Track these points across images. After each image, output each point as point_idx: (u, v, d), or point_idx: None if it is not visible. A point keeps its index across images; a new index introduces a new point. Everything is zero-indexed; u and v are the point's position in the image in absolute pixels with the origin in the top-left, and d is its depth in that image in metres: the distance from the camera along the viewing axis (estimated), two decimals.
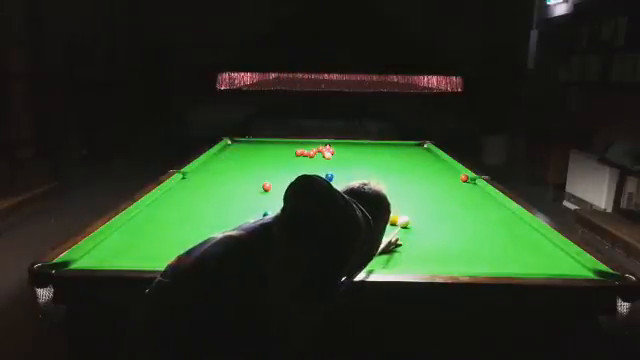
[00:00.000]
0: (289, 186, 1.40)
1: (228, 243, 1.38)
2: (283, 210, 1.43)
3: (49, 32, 6.30)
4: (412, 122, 6.84)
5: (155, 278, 1.38)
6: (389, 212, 1.68)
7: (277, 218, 1.43)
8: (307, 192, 1.40)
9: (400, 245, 1.92)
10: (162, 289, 1.33)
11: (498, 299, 1.60)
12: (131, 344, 1.34)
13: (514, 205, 2.49)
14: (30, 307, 1.57)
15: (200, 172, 3.25)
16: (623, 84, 4.89)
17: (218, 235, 1.42)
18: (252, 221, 1.48)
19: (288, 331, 1.31)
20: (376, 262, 1.69)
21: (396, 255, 1.86)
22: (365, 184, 1.62)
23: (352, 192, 1.58)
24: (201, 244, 1.41)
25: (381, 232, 1.66)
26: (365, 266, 1.59)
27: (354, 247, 1.44)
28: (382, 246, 1.77)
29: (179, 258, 1.39)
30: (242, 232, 1.41)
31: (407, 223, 2.18)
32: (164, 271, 1.37)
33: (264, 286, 1.29)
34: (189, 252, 1.39)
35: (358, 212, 1.45)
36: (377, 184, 1.65)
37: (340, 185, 1.62)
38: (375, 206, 1.57)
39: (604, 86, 5.23)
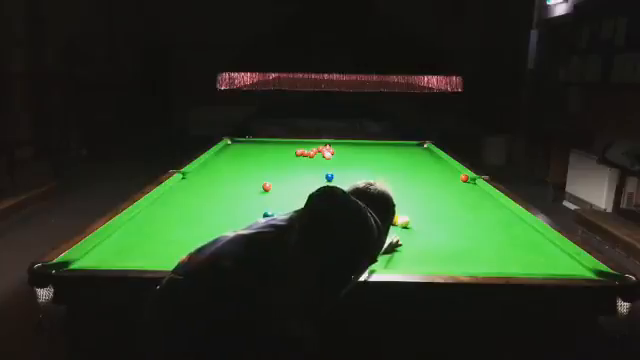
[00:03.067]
0: (312, 194, 1.48)
1: (241, 242, 1.39)
2: (305, 214, 1.46)
3: (49, 32, 6.30)
4: (412, 122, 6.84)
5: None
6: (394, 213, 1.71)
7: (290, 220, 1.46)
8: (329, 198, 1.47)
9: (400, 245, 1.92)
10: (175, 287, 1.32)
11: (498, 299, 1.60)
12: (142, 344, 1.34)
13: (514, 205, 2.49)
14: (30, 307, 1.57)
15: (200, 172, 3.25)
16: (623, 84, 4.88)
17: (230, 234, 1.43)
18: (263, 221, 1.51)
19: (299, 331, 1.31)
20: (376, 262, 1.69)
21: (396, 255, 1.87)
22: (371, 184, 1.64)
23: (358, 192, 1.60)
24: (212, 242, 1.42)
25: (386, 233, 1.67)
26: (369, 267, 1.60)
27: (366, 250, 1.48)
28: (383, 247, 1.77)
29: (190, 256, 1.39)
30: (254, 232, 1.43)
31: (407, 223, 2.19)
32: (175, 268, 1.37)
33: (278, 286, 1.31)
34: (201, 250, 1.40)
35: (371, 218, 1.48)
36: (382, 184, 1.66)
37: (345, 185, 1.64)
38: (381, 207, 1.59)
39: (604, 86, 5.22)
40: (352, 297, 1.44)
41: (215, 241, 1.42)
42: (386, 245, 1.80)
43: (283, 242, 1.38)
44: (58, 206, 4.96)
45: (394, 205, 1.68)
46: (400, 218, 2.17)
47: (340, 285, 1.42)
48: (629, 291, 1.57)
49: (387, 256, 1.83)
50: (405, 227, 2.18)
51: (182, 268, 1.36)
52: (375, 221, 1.49)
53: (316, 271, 1.35)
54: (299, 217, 1.47)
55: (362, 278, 1.57)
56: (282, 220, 1.47)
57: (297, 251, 1.37)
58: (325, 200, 1.47)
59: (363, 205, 1.49)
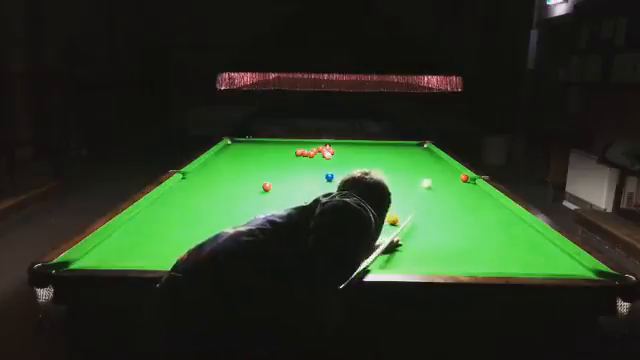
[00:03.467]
0: (331, 203, 1.52)
1: (241, 239, 1.40)
2: (303, 214, 1.49)
3: (49, 32, 6.30)
4: (412, 122, 6.84)
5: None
6: (390, 202, 1.74)
7: (289, 217, 1.48)
8: (345, 206, 1.51)
9: (400, 245, 1.92)
10: (175, 285, 1.33)
11: (498, 299, 1.60)
12: (142, 343, 1.34)
13: (514, 205, 2.49)
14: (30, 307, 1.57)
15: (200, 172, 3.25)
16: (623, 84, 4.88)
17: (229, 230, 1.44)
18: (262, 217, 1.52)
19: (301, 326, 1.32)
20: (376, 262, 1.70)
21: (396, 255, 1.86)
22: (366, 173, 1.67)
23: (354, 181, 1.62)
24: (213, 239, 1.43)
25: (382, 222, 1.70)
26: (365, 259, 1.61)
27: (363, 247, 1.53)
28: (383, 247, 1.77)
29: (190, 253, 1.40)
30: (253, 228, 1.44)
31: (429, 186, 2.70)
32: (175, 266, 1.38)
33: (277, 280, 1.32)
34: (201, 246, 1.40)
35: (369, 213, 1.51)
36: (378, 173, 1.68)
37: (341, 176, 1.65)
38: (377, 196, 1.62)
39: (604, 86, 5.22)
40: (350, 297, 1.45)
41: (215, 237, 1.43)
42: (386, 245, 1.81)
43: (281, 238, 1.40)
44: (58, 206, 4.96)
45: (389, 194, 1.70)
46: (425, 182, 2.80)
47: (337, 281, 1.43)
48: (629, 291, 1.57)
49: (387, 256, 1.83)
50: (429, 189, 2.76)
51: (181, 266, 1.37)
52: (373, 215, 1.52)
53: (313, 267, 1.35)
54: (298, 214, 1.48)
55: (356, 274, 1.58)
56: (280, 217, 1.49)
57: (296, 247, 1.37)
58: (339, 204, 1.50)
59: (363, 204, 1.50)
